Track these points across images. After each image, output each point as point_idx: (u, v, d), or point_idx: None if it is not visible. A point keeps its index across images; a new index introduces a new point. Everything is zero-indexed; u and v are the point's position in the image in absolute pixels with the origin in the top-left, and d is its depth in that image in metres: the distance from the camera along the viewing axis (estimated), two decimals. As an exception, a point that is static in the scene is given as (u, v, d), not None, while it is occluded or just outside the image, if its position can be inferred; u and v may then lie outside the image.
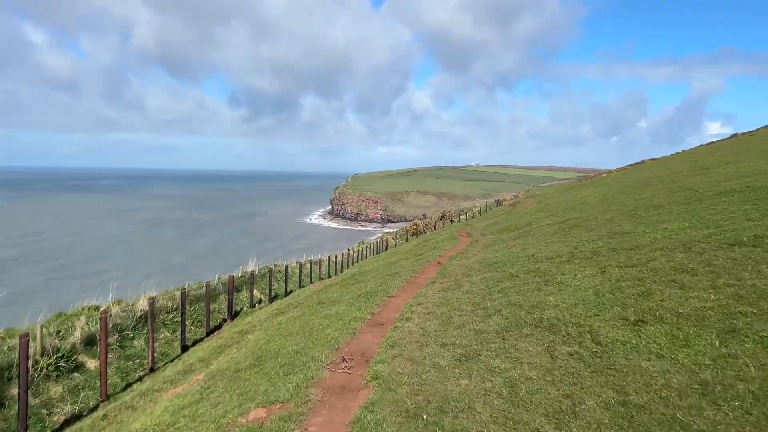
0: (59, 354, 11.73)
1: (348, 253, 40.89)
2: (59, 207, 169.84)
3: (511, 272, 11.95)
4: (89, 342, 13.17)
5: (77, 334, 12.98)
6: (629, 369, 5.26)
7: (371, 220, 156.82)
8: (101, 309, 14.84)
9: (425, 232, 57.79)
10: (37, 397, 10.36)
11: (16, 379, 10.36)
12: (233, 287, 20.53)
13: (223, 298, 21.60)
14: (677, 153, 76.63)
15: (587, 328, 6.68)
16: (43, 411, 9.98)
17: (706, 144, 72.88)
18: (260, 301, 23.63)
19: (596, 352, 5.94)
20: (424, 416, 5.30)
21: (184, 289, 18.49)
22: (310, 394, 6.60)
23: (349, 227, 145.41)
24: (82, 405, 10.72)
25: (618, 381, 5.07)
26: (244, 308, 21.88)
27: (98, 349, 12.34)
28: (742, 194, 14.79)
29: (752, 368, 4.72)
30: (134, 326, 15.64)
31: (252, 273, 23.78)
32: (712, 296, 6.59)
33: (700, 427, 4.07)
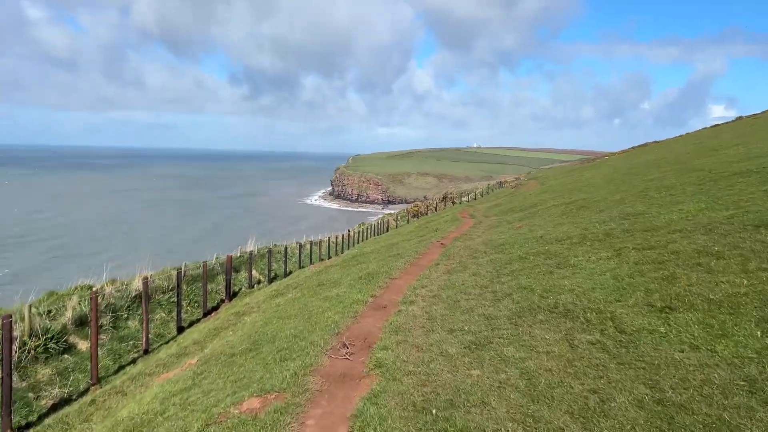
0: (48, 335, 11.26)
1: (349, 234, 40.41)
2: (59, 185, 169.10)
3: (520, 254, 11.44)
4: (81, 322, 12.72)
5: (68, 314, 12.52)
6: (661, 361, 4.76)
7: (372, 202, 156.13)
8: (94, 288, 14.37)
9: (426, 214, 57.27)
10: (24, 380, 9.91)
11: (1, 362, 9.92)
12: (231, 267, 20.06)
13: (221, 278, 21.14)
14: (681, 135, 75.86)
15: (608, 315, 6.18)
16: (30, 395, 9.53)
17: (711, 127, 72.09)
18: (259, 282, 23.20)
19: (621, 341, 5.44)
20: (433, 411, 4.82)
21: (180, 268, 18.02)
22: (308, 383, 6.12)
23: (349, 208, 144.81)
24: (71, 388, 10.28)
25: (650, 375, 4.57)
26: (243, 289, 21.45)
27: (90, 330, 11.88)
28: (760, 175, 14.23)
29: (801, 362, 4.23)
30: (128, 306, 15.18)
31: (251, 253, 23.30)
32: (745, 281, 6.08)
33: (752, 432, 3.58)
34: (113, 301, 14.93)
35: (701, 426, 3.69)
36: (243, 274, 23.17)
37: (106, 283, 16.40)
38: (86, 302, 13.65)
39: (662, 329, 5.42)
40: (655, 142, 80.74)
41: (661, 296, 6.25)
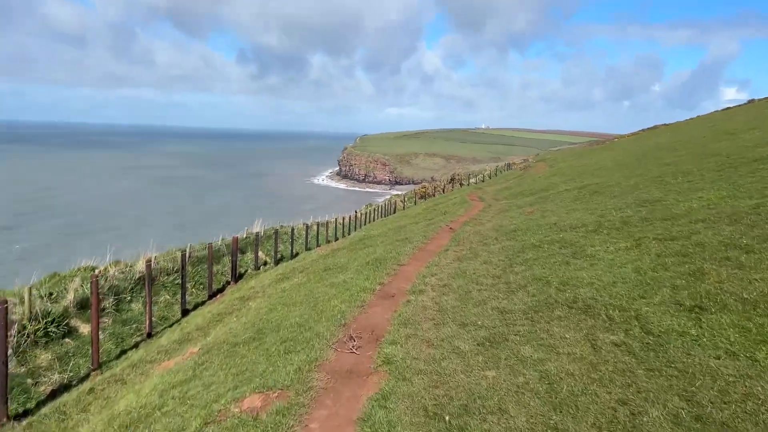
0: (49, 318, 11.02)
1: (356, 216, 40.07)
2: (69, 162, 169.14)
3: (533, 242, 11.04)
4: (83, 305, 12.48)
5: (70, 296, 12.28)
6: (695, 369, 4.39)
7: (379, 182, 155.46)
8: (96, 270, 14.12)
9: (434, 195, 56.78)
10: (23, 365, 9.69)
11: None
12: (237, 249, 19.78)
13: (227, 259, 20.87)
14: (692, 118, 74.72)
15: (633, 313, 5.80)
16: (29, 380, 9.31)
17: (722, 110, 70.90)
18: (265, 263, 22.95)
19: (648, 344, 5.07)
20: (446, 417, 4.48)
21: (185, 250, 17.75)
22: (312, 380, 5.81)
23: (356, 189, 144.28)
24: (71, 374, 10.06)
25: (684, 385, 4.20)
26: (249, 270, 21.20)
27: (98, 311, 11.63)
28: (783, 162, 13.70)
29: None
30: (132, 289, 14.94)
31: (257, 234, 23.02)
32: (781, 279, 5.67)
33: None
34: (116, 283, 14.69)
35: (749, 450, 3.33)
36: (249, 256, 22.91)
37: (110, 265, 16.15)
38: (88, 284, 13.41)
39: (693, 332, 5.04)
40: (664, 124, 79.64)
41: (690, 294, 5.85)
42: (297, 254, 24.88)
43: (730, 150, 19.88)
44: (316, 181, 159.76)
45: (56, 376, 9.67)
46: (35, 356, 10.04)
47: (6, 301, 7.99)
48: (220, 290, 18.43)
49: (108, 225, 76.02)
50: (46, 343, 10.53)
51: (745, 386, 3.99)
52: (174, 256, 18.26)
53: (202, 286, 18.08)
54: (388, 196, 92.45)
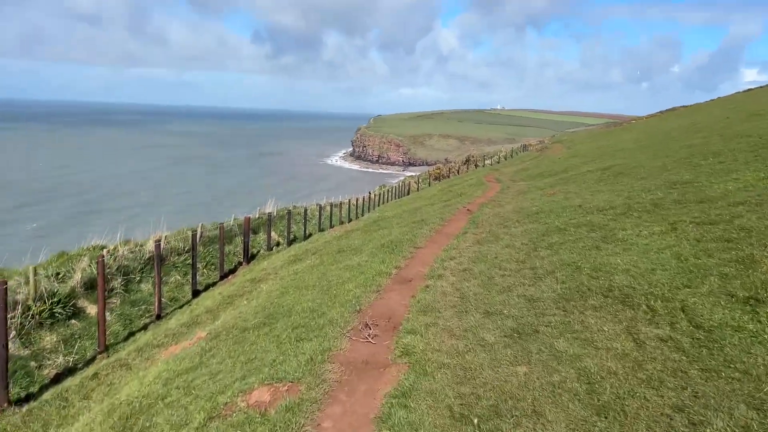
0: (55, 299, 10.71)
1: (369, 197, 39.57)
2: (84, 141, 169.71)
3: (558, 225, 10.48)
4: (90, 286, 12.17)
5: (77, 276, 11.97)
6: (760, 371, 3.87)
7: (393, 163, 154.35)
8: (105, 250, 13.80)
9: (449, 177, 56.05)
10: (27, 347, 9.40)
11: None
12: (249, 229, 19.40)
13: (239, 240, 20.51)
14: (712, 100, 72.98)
15: (678, 304, 5.27)
16: (33, 363, 9.01)
17: (744, 91, 69.15)
18: (278, 244, 22.59)
19: (699, 339, 4.54)
20: (475, 420, 4.02)
21: (195, 230, 17.40)
22: (325, 372, 5.37)
23: (370, 170, 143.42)
24: (77, 356, 9.76)
25: (750, 390, 3.68)
26: (261, 251, 20.86)
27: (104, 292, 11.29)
28: (824, 142, 12.94)
29: None
30: (142, 269, 14.63)
31: (270, 215, 22.64)
32: None
33: None
34: (126, 263, 14.38)
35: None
36: (262, 236, 22.56)
37: (120, 244, 15.84)
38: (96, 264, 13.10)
39: (751, 326, 4.51)
40: (683, 106, 77.97)
41: (743, 284, 5.30)
42: (310, 235, 24.50)
43: (762, 131, 19.03)
44: (329, 161, 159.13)
45: (61, 359, 9.37)
46: (40, 338, 9.74)
47: (5, 282, 7.63)
48: (232, 271, 18.11)
49: (123, 204, 76.23)
50: (52, 324, 10.23)
51: (825, 394, 3.48)
52: (185, 235, 17.91)
53: (213, 267, 17.77)
54: (401, 178, 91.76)
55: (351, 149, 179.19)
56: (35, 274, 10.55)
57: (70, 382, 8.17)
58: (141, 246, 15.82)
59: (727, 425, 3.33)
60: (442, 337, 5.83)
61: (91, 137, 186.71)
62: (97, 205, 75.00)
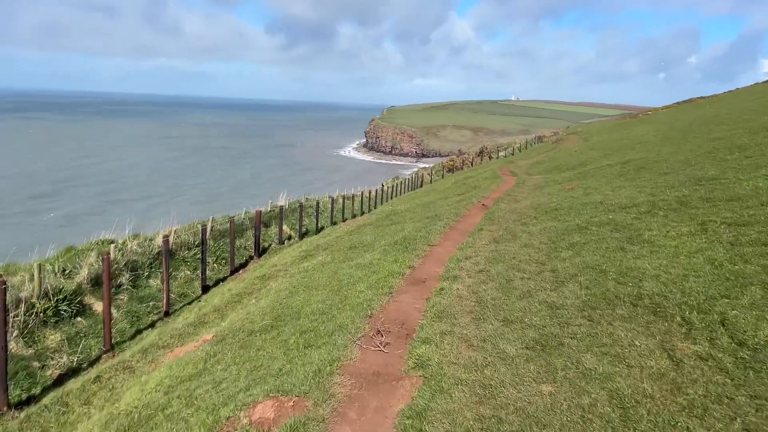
0: (60, 296, 10.47)
1: (382, 189, 39.18)
2: (102, 131, 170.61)
3: (579, 223, 10.03)
4: (97, 282, 11.92)
5: (84, 272, 11.73)
6: (819, 401, 3.45)
7: (406, 154, 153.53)
8: (113, 245, 13.56)
9: (462, 169, 55.46)
10: (30, 346, 9.16)
11: (10, 327, 9.14)
12: (260, 223, 19.11)
13: (250, 233, 20.25)
14: (731, 91, 71.45)
15: (716, 317, 4.84)
16: (36, 363, 8.77)
17: (763, 82, 67.59)
18: (290, 238, 22.31)
19: (744, 359, 4.12)
20: (497, 448, 3.65)
21: (205, 224, 17.14)
22: (334, 385, 5.02)
23: (383, 161, 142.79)
24: (82, 356, 9.51)
25: (810, 425, 3.28)
26: (273, 245, 20.58)
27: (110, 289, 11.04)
28: None
29: None
30: (151, 264, 14.39)
31: (281, 208, 22.32)
32: None
33: None
34: (135, 258, 14.14)
35: None
36: (273, 230, 22.30)
37: (129, 238, 15.62)
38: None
39: (803, 346, 4.09)
40: (701, 97, 76.48)
41: (789, 295, 4.87)
42: (322, 228, 24.20)
43: (789, 123, 18.34)
44: (342, 152, 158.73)
45: (65, 359, 9.12)
46: (44, 337, 9.51)
47: (4, 282, 7.36)
48: (243, 265, 17.85)
49: (141, 194, 76.43)
50: (56, 322, 9.99)
51: None
52: (195, 229, 17.68)
53: (224, 261, 17.50)
54: (414, 169, 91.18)
55: (364, 140, 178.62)
56: (40, 270, 10.30)
57: (72, 384, 7.91)
58: (150, 240, 15.58)
59: (789, 469, 2.94)
60: (459, 347, 5.46)
61: (108, 128, 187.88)
62: (116, 195, 75.23)
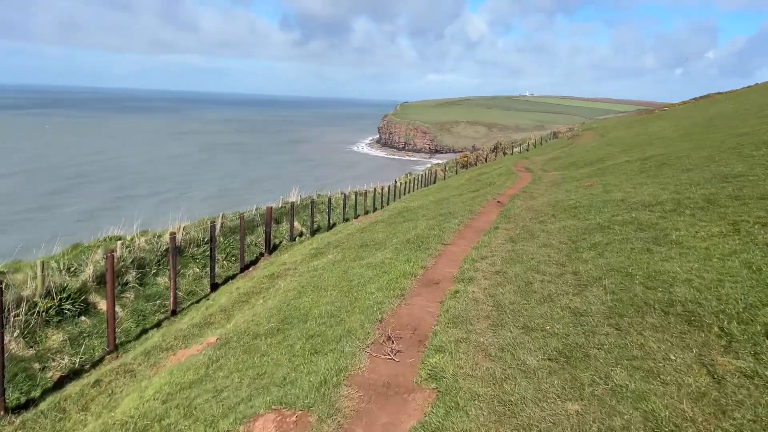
0: (64, 294, 10.22)
1: (395, 185, 38.78)
2: (117, 127, 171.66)
3: (600, 221, 9.58)
4: (103, 280, 11.65)
5: (89, 270, 11.48)
6: None
7: (419, 150, 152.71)
8: (119, 242, 13.31)
9: (476, 165, 54.88)
10: (31, 347, 8.91)
11: (11, 327, 8.92)
12: (271, 219, 18.81)
13: (261, 230, 19.97)
14: (751, 86, 70.01)
15: (760, 328, 4.41)
16: (36, 365, 8.51)
17: (785, 77, 66.12)
18: (301, 234, 22.01)
19: (796, 378, 3.69)
20: (519, 478, 3.26)
21: (214, 220, 16.87)
22: (341, 398, 4.66)
23: (396, 157, 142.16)
24: (84, 356, 9.25)
25: None
26: (284, 242, 20.29)
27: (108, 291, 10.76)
28: None
29: None
30: (159, 261, 14.14)
31: (292, 204, 22.03)
32: None
33: None
34: (143, 255, 13.90)
35: None
36: (284, 226, 22.01)
37: (137, 235, 15.40)
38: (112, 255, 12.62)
39: None
40: (719, 93, 75.06)
41: (842, 306, 4.42)
42: (334, 225, 23.87)
43: (818, 118, 17.67)
44: (355, 148, 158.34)
45: (66, 360, 8.86)
46: (46, 337, 9.26)
47: (1, 282, 7.09)
48: (253, 262, 17.57)
49: (157, 189, 76.57)
50: (59, 322, 9.74)
51: None
52: (205, 226, 17.42)
53: (234, 258, 17.23)
54: (428, 165, 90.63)
55: (377, 136, 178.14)
56: (43, 268, 10.05)
57: (71, 388, 7.63)
58: (159, 237, 15.34)
59: None
60: (476, 356, 5.07)
61: (123, 123, 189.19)
62: (131, 190, 75.38)
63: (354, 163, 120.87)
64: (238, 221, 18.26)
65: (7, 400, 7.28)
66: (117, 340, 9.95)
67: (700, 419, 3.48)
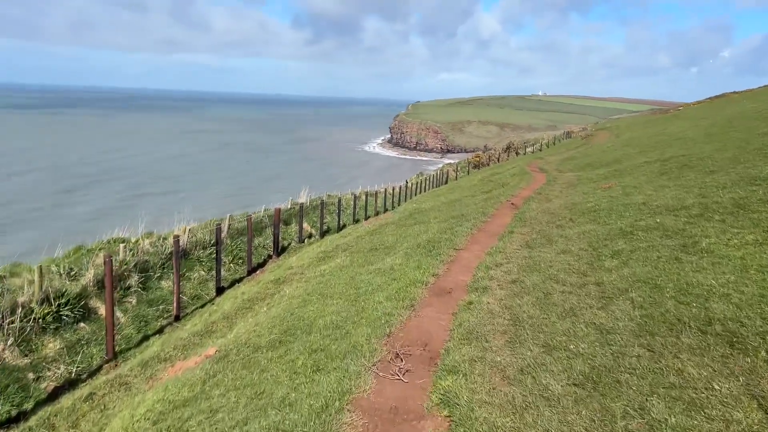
0: (63, 300, 9.87)
1: (406, 186, 38.31)
2: (129, 126, 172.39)
3: (622, 227, 9.06)
4: (104, 284, 11.32)
5: (89, 274, 11.15)
6: None
7: (430, 150, 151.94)
8: (122, 244, 12.98)
9: (488, 165, 54.25)
10: (26, 356, 8.56)
11: (4, 335, 8.57)
12: (279, 221, 18.45)
13: (269, 231, 19.60)
14: (766, 86, 68.59)
15: (815, 354, 3.90)
16: (30, 375, 8.16)
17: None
18: (310, 236, 21.63)
19: None
20: None
21: (220, 222, 16.52)
22: (343, 426, 4.22)
23: (407, 156, 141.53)
24: (82, 365, 8.89)
25: None
26: (292, 243, 19.92)
27: (114, 296, 10.40)
28: None
29: None
30: (163, 264, 13.80)
31: (302, 206, 21.66)
32: None
33: None
34: (146, 258, 13.56)
35: None
36: (293, 228, 21.64)
37: (142, 237, 15.07)
38: (114, 259, 12.27)
39: None
40: (735, 92, 73.66)
41: None
42: (344, 226, 23.47)
43: None
44: (367, 148, 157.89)
45: (62, 369, 8.50)
46: (42, 345, 8.91)
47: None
48: (261, 265, 17.21)
49: (169, 188, 76.60)
50: (56, 329, 9.39)
51: None
52: (212, 228, 17.08)
53: (241, 261, 16.87)
54: (439, 165, 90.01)
55: (389, 136, 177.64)
56: (41, 273, 9.70)
57: (64, 401, 7.26)
58: (164, 239, 15.00)
59: None
60: (493, 379, 4.61)
61: (135, 122, 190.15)
62: (143, 188, 75.38)
63: (365, 163, 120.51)
64: (246, 222, 17.91)
65: (-6, 415, 6.93)
66: (117, 348, 9.60)
67: (757, 467, 3.00)
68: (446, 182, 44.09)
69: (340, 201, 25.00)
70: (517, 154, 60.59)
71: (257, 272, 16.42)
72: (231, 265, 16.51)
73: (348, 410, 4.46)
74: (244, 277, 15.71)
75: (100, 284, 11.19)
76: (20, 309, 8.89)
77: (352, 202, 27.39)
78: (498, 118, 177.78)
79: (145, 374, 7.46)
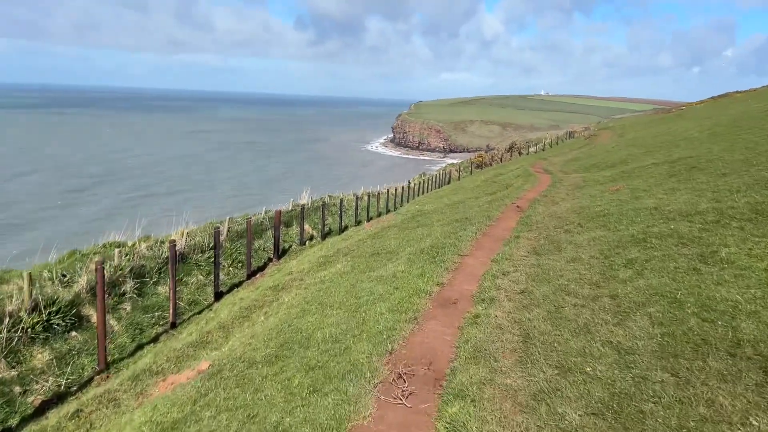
0: (54, 308, 9.53)
1: (408, 186, 37.93)
2: (135, 126, 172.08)
3: (634, 233, 8.68)
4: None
5: (82, 281, 10.80)
6: None
7: (433, 150, 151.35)
8: (118, 249, 12.63)
9: (491, 165, 53.83)
10: (13, 367, 8.21)
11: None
12: (279, 223, 18.10)
13: (270, 233, 19.25)
14: (769, 86, 67.97)
15: None
16: (17, 389, 7.81)
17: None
18: (312, 238, 21.26)
19: None
20: None
21: (218, 226, 16.17)
22: (341, 459, 3.86)
23: (410, 156, 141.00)
24: (72, 377, 8.54)
25: None
26: (293, 246, 19.57)
27: (105, 303, 10.04)
28: None
29: None
30: (160, 269, 13.45)
31: (303, 207, 21.29)
32: None
33: None
34: (143, 262, 13.21)
35: None
36: (295, 229, 21.28)
37: (139, 241, 14.72)
38: (109, 264, 11.93)
39: None
40: (738, 91, 73.01)
41: None
42: (346, 228, 23.11)
43: None
44: (369, 148, 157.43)
45: (50, 382, 8.15)
46: (30, 356, 8.56)
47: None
48: (262, 268, 16.86)
49: (174, 188, 76.31)
50: (46, 339, 9.04)
51: None
52: (211, 231, 16.72)
53: (240, 264, 16.51)
54: (442, 165, 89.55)
55: (391, 135, 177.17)
56: (30, 280, 9.35)
57: (50, 418, 6.92)
58: (161, 243, 14.65)
59: None
60: (503, 406, 4.24)
61: (142, 122, 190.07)
62: (151, 189, 75.04)
63: (368, 163, 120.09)
64: (245, 225, 17.56)
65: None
66: (109, 358, 9.26)
67: None
68: (449, 183, 43.70)
69: (341, 202, 24.64)
70: (520, 154, 60.13)
71: (257, 276, 16.07)
72: (230, 268, 16.16)
73: (346, 441, 4.11)
74: (243, 281, 15.36)
75: (93, 291, 10.83)
76: (8, 318, 8.54)
77: (354, 203, 27.02)
78: (500, 117, 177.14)
79: (136, 389, 7.12)
